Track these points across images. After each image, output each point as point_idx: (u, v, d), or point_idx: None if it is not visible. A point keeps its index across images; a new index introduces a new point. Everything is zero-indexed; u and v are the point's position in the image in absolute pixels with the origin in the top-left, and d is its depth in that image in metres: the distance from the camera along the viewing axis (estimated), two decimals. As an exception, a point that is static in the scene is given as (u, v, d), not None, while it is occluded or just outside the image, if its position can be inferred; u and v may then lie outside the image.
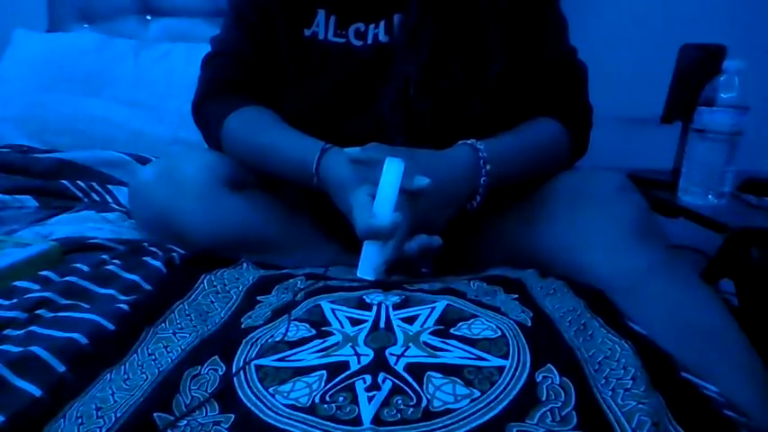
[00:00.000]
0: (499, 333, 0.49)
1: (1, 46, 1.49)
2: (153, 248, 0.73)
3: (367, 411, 0.39)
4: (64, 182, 1.09)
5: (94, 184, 1.10)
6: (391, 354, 0.46)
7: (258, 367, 0.46)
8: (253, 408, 0.41)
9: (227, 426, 0.40)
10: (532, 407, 0.40)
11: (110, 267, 0.66)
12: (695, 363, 0.51)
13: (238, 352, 0.48)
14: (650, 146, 1.36)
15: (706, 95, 1.05)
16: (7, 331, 0.52)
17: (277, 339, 0.49)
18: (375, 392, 0.41)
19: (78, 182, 1.09)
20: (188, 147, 1.27)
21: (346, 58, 0.79)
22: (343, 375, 0.43)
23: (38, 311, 0.55)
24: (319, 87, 0.81)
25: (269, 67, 0.84)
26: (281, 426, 0.39)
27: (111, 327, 0.53)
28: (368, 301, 0.55)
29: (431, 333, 0.49)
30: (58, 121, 1.36)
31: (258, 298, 0.61)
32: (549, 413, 0.40)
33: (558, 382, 0.42)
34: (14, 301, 0.58)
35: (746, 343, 0.58)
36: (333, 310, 0.54)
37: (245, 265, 0.71)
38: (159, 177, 0.77)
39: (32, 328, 0.52)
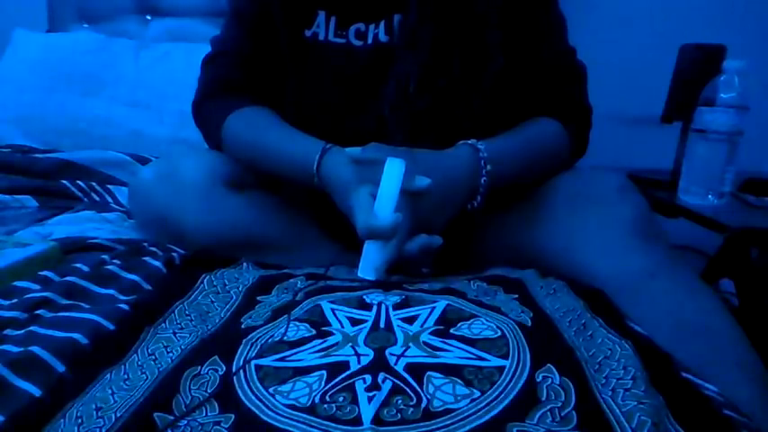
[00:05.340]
0: (499, 333, 0.49)
1: (1, 46, 1.49)
2: (153, 248, 0.73)
3: (367, 411, 0.39)
4: (64, 182, 1.09)
5: (94, 184, 1.10)
6: (391, 354, 0.46)
7: (258, 367, 0.46)
8: (253, 408, 0.41)
9: (227, 426, 0.40)
10: (532, 407, 0.40)
11: (110, 267, 0.66)
12: (695, 363, 0.51)
13: (238, 352, 0.48)
14: (650, 146, 1.36)
15: (706, 95, 1.05)
16: (7, 331, 0.52)
17: (277, 339, 0.49)
18: (375, 392, 0.41)
19: (78, 182, 1.09)
20: (188, 147, 1.27)
21: (347, 59, 0.79)
22: (343, 375, 0.43)
23: (38, 311, 0.55)
24: (320, 87, 0.81)
25: (269, 67, 0.84)
26: (281, 426, 0.39)
27: (111, 327, 0.53)
28: (368, 301, 0.55)
29: (431, 333, 0.49)
30: (58, 121, 1.36)
31: (258, 298, 0.61)
32: (549, 413, 0.40)
33: (558, 382, 0.42)
34: (14, 301, 0.58)
35: (747, 343, 0.58)
36: (333, 310, 0.54)
37: (245, 265, 0.71)
38: (159, 177, 0.77)
39: (32, 328, 0.52)
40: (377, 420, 0.39)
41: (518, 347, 0.47)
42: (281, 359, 0.47)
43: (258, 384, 0.44)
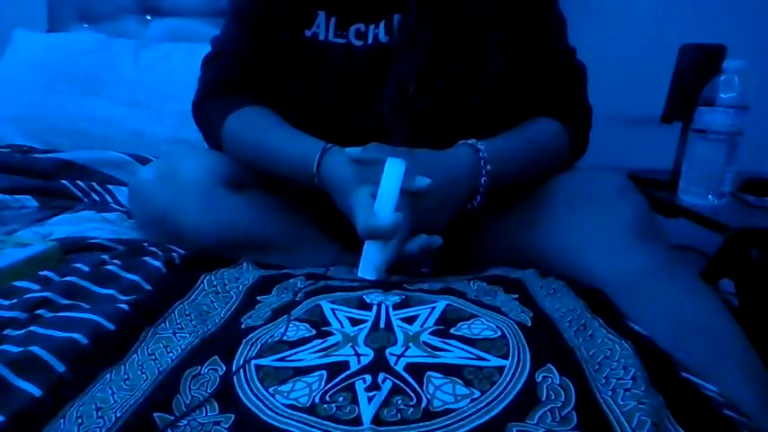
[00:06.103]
0: (499, 333, 0.49)
1: (1, 46, 1.49)
2: (153, 248, 0.73)
3: (367, 411, 0.39)
4: (64, 182, 1.09)
5: (94, 184, 1.10)
6: (391, 354, 0.46)
7: (258, 367, 0.46)
8: (253, 408, 0.41)
9: (227, 426, 0.40)
10: (532, 407, 0.40)
11: (110, 267, 0.66)
12: (695, 363, 0.51)
13: (238, 352, 0.48)
14: (650, 146, 1.36)
15: (706, 95, 1.05)
16: (7, 331, 0.52)
17: (277, 339, 0.49)
18: (375, 392, 0.41)
19: (78, 182, 1.09)
20: (188, 147, 1.27)
21: (347, 59, 0.79)
22: (343, 375, 0.43)
23: (38, 311, 0.55)
24: (320, 87, 0.81)
25: (269, 67, 0.84)
26: (281, 426, 0.39)
27: (111, 327, 0.53)
28: (368, 301, 0.55)
29: (431, 333, 0.49)
30: (58, 121, 1.36)
31: (258, 298, 0.61)
32: (548, 413, 0.40)
33: (558, 382, 0.42)
34: (14, 301, 0.58)
35: (747, 343, 0.58)
36: (333, 310, 0.54)
37: (245, 265, 0.71)
38: (159, 177, 0.77)
39: (32, 328, 0.52)
40: (377, 420, 0.39)
41: (518, 347, 0.47)
42: (281, 359, 0.47)
43: (258, 384, 0.44)
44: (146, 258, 0.69)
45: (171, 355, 0.49)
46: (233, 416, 0.41)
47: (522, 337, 0.48)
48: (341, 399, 0.41)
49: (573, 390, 0.42)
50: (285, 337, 0.50)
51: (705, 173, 1.06)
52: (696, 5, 1.51)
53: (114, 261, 0.68)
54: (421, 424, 0.39)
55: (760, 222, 1.01)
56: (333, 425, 0.39)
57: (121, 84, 1.39)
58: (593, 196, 0.69)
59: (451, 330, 0.50)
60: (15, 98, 1.39)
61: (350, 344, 0.48)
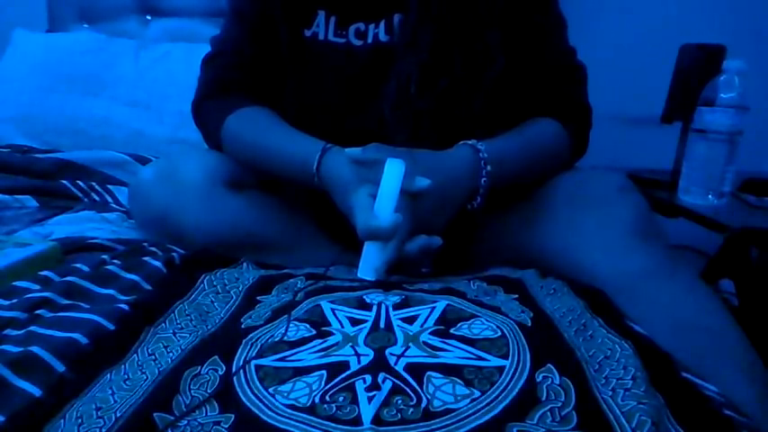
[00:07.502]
0: (499, 333, 0.49)
1: (1, 46, 1.49)
2: (153, 248, 0.73)
3: (367, 411, 0.39)
4: (64, 182, 1.09)
5: (94, 184, 1.10)
6: (391, 354, 0.46)
7: (258, 367, 0.46)
8: (253, 408, 0.41)
9: (227, 426, 0.40)
10: (532, 407, 0.40)
11: (110, 267, 0.66)
12: (695, 363, 0.51)
13: (238, 352, 0.48)
14: (650, 146, 1.36)
15: (706, 95, 1.05)
16: (7, 331, 0.52)
17: (277, 339, 0.50)
18: (375, 392, 0.41)
19: (78, 182, 1.09)
20: (188, 147, 1.27)
21: (347, 58, 0.79)
22: (343, 375, 0.43)
23: (38, 311, 0.55)
24: (320, 87, 0.81)
25: (269, 66, 0.84)
26: (281, 426, 0.39)
27: (111, 327, 0.53)
28: (368, 301, 0.55)
29: (431, 333, 0.49)
30: (58, 121, 1.36)
31: (258, 298, 0.61)
32: (549, 413, 0.40)
33: (558, 382, 0.42)
34: (14, 301, 0.58)
35: (747, 343, 0.58)
36: (333, 310, 0.54)
37: (245, 265, 0.71)
38: (159, 177, 0.77)
39: (32, 328, 0.52)
40: (377, 420, 0.39)
41: (518, 347, 0.47)
42: (281, 359, 0.47)
43: (258, 384, 0.44)
44: (146, 258, 0.69)
45: (171, 355, 0.49)
46: (233, 416, 0.41)
47: (522, 337, 0.48)
48: (341, 399, 0.41)
49: (573, 390, 0.42)
50: (285, 338, 0.50)
51: (705, 173, 1.06)
52: (696, 5, 1.51)
53: (114, 261, 0.68)
54: (421, 424, 0.39)
55: (760, 222, 1.02)
56: (333, 425, 0.39)
57: (121, 84, 1.39)
58: (593, 196, 0.69)
59: (451, 330, 0.50)
60: (15, 98, 1.39)
61: (350, 344, 0.48)
